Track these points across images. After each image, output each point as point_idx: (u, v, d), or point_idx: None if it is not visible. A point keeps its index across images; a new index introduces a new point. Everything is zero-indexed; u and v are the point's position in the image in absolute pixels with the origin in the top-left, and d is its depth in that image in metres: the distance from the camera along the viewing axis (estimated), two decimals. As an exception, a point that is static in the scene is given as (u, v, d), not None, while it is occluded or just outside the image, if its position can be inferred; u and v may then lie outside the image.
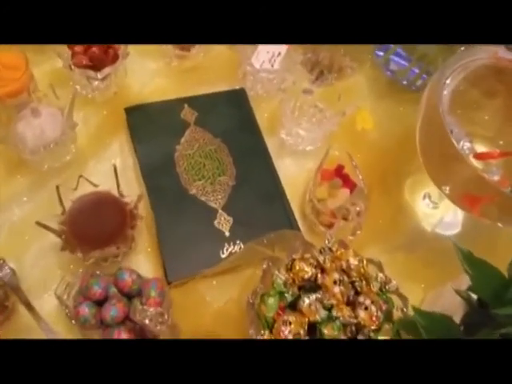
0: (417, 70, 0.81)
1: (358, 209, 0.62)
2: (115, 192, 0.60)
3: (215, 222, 0.65)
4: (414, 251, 0.71)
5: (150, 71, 0.78)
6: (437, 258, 0.70)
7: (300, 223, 0.69)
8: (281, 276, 0.55)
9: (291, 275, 0.55)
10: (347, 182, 0.70)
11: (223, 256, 0.63)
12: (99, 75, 0.69)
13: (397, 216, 0.74)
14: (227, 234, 0.65)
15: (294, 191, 0.72)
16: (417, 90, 0.82)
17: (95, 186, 0.59)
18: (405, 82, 0.83)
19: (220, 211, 0.66)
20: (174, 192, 0.66)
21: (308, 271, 0.55)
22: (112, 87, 0.73)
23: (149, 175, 0.66)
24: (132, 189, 0.66)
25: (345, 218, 0.65)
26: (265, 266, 0.56)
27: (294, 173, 0.75)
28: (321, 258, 0.55)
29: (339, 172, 0.71)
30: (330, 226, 0.67)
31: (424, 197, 0.76)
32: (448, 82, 0.60)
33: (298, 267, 0.55)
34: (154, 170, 0.67)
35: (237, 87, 0.78)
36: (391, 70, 0.84)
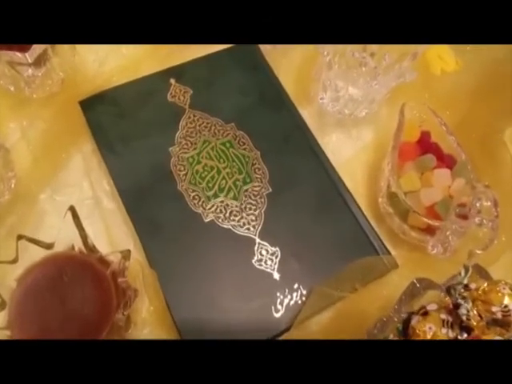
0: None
1: (488, 203, 0.37)
2: (83, 247, 0.35)
3: (254, 261, 0.41)
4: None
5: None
6: None
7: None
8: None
9: (412, 348, 0.31)
10: (441, 156, 0.45)
11: (278, 315, 0.39)
12: (29, 57, 0.43)
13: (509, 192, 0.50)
14: (276, 275, 0.40)
15: (352, 182, 0.48)
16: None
17: (48, 246, 0.34)
18: None
19: (258, 241, 0.41)
20: (181, 224, 0.41)
21: (443, 338, 0.31)
22: (55, 73, 0.48)
23: (135, 204, 0.42)
24: (116, 233, 0.41)
25: (462, 216, 0.40)
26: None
27: (347, 154, 0.51)
28: (462, 312, 0.31)
29: (426, 143, 0.46)
30: (428, 231, 0.43)
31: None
32: None
33: (420, 332, 0.31)
34: (143, 195, 0.42)
35: (242, 41, 0.52)
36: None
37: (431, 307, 0.32)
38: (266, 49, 0.53)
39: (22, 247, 0.35)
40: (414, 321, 0.32)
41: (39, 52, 0.44)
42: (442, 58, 0.51)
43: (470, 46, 0.54)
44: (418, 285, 0.33)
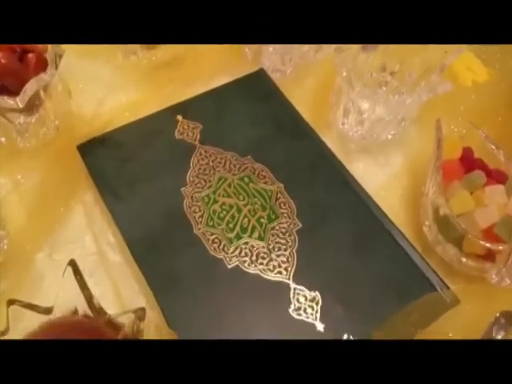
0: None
1: None
2: (87, 310, 0.29)
3: (291, 310, 0.34)
4: None
5: (106, 76, 0.47)
6: None
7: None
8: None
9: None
10: (489, 172, 0.40)
11: (328, 374, 0.32)
12: (20, 101, 0.39)
13: None
14: (320, 326, 0.34)
15: (390, 212, 0.42)
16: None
17: (46, 311, 0.28)
18: None
19: (293, 285, 0.35)
20: (201, 274, 0.35)
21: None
22: (49, 119, 0.43)
23: (146, 256, 0.36)
24: (126, 291, 0.36)
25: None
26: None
27: (378, 182, 0.45)
28: None
29: (469, 160, 0.41)
30: (488, 257, 0.37)
31: None
32: None
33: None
34: (154, 244, 0.36)
35: (249, 71, 0.48)
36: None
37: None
38: (276, 78, 0.49)
39: (16, 315, 0.29)
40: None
41: (30, 94, 0.39)
42: (471, 68, 0.47)
43: (499, 54, 0.50)
44: (503, 320, 0.26)
